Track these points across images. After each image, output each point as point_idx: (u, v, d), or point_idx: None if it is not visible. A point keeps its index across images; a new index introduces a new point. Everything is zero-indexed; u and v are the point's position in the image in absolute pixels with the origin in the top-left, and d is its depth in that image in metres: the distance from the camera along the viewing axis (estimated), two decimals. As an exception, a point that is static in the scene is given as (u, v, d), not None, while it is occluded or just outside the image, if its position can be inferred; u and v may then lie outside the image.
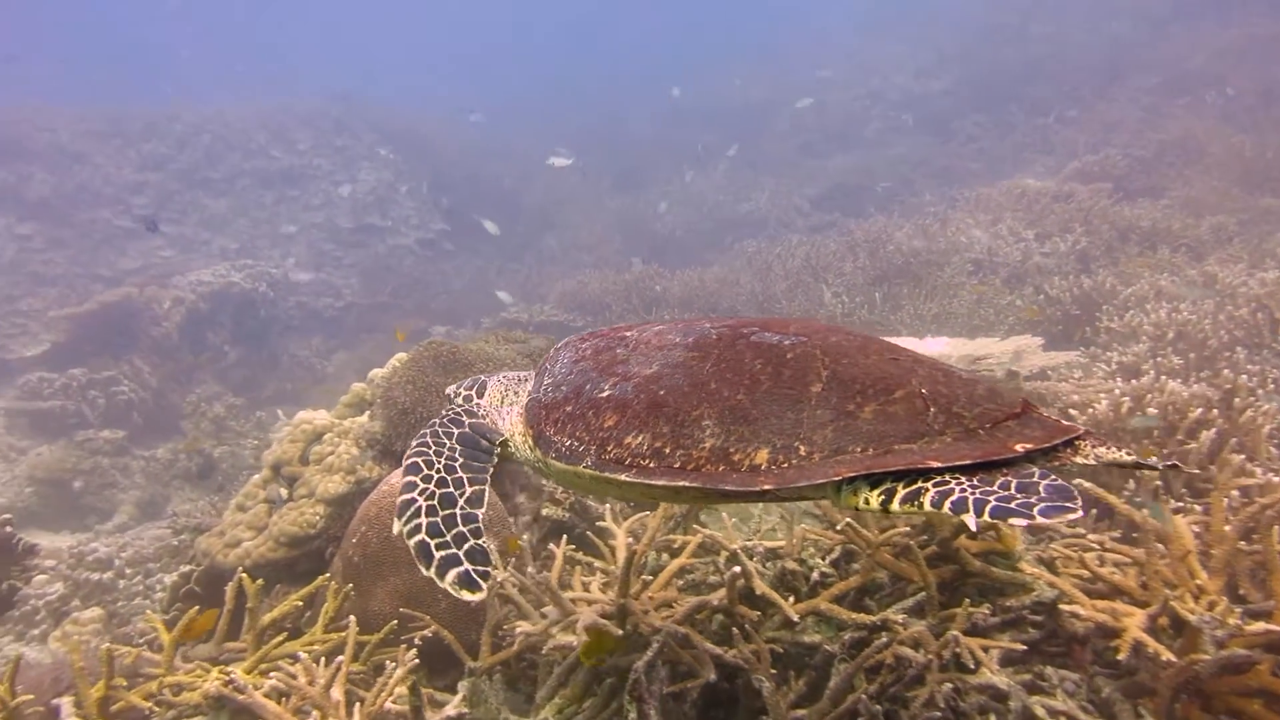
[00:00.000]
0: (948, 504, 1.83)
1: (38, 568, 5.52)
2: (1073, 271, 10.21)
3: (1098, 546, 3.39)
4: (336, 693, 3.10)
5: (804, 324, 2.49)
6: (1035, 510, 1.72)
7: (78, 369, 11.88)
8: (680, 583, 3.80)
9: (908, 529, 3.37)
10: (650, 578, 3.64)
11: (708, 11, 43.92)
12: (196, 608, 3.63)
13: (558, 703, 3.45)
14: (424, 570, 2.20)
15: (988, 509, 1.77)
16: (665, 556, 4.01)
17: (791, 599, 3.37)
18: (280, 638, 3.75)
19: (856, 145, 22.65)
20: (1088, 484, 3.52)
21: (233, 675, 3.30)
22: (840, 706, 2.88)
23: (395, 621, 3.91)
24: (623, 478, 2.25)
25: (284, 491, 4.67)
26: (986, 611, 3.04)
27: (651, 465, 2.23)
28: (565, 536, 4.03)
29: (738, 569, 3.27)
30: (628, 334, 2.66)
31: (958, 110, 21.75)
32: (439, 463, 2.46)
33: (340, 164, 22.02)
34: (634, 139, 28.13)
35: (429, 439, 2.53)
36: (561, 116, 30.87)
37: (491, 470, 2.54)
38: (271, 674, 3.25)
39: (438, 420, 2.65)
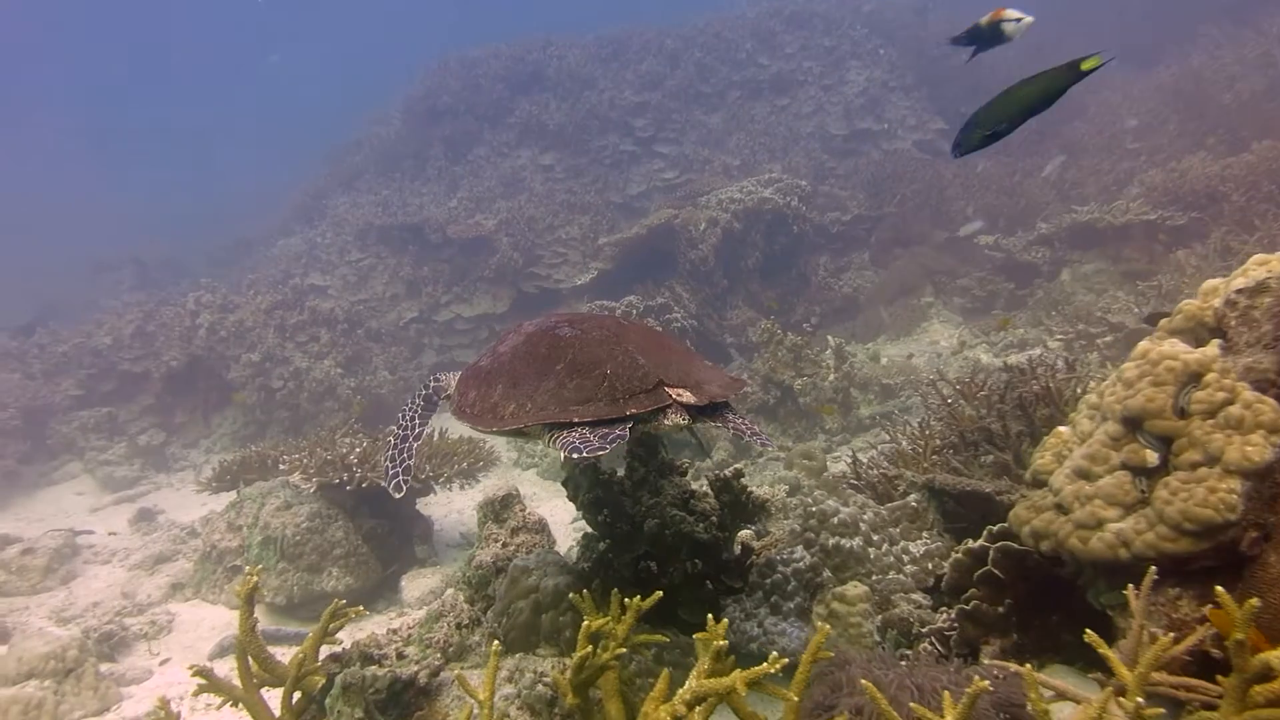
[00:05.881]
0: (560, 442, 3.02)
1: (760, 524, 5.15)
2: None
3: None
4: None
5: (597, 321, 3.66)
6: (584, 449, 2.91)
7: (633, 296, 12.28)
8: None
9: None
10: None
11: None
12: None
13: None
14: (384, 482, 4.11)
15: (569, 448, 2.95)
16: None
17: None
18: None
19: None
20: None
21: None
22: None
23: None
24: (455, 417, 3.64)
25: (1152, 456, 3.56)
26: None
27: (467, 412, 3.53)
28: None
29: None
30: (525, 323, 3.84)
31: None
32: (406, 418, 3.94)
33: (829, 65, 21.18)
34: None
35: (408, 402, 4.01)
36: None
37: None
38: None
39: (416, 389, 4.06)
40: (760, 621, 4.54)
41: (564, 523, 8.11)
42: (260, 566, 3.87)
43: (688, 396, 3.21)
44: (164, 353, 13.48)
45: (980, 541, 4.16)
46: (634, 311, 11.92)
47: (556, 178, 18.96)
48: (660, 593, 3.77)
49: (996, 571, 4.03)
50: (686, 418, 3.23)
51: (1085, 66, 3.88)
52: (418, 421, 3.92)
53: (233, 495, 7.72)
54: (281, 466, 7.28)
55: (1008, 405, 5.64)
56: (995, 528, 4.13)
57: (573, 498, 4.84)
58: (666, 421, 3.21)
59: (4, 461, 11.88)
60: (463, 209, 16.78)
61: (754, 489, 4.92)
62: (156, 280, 21.17)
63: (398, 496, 3.72)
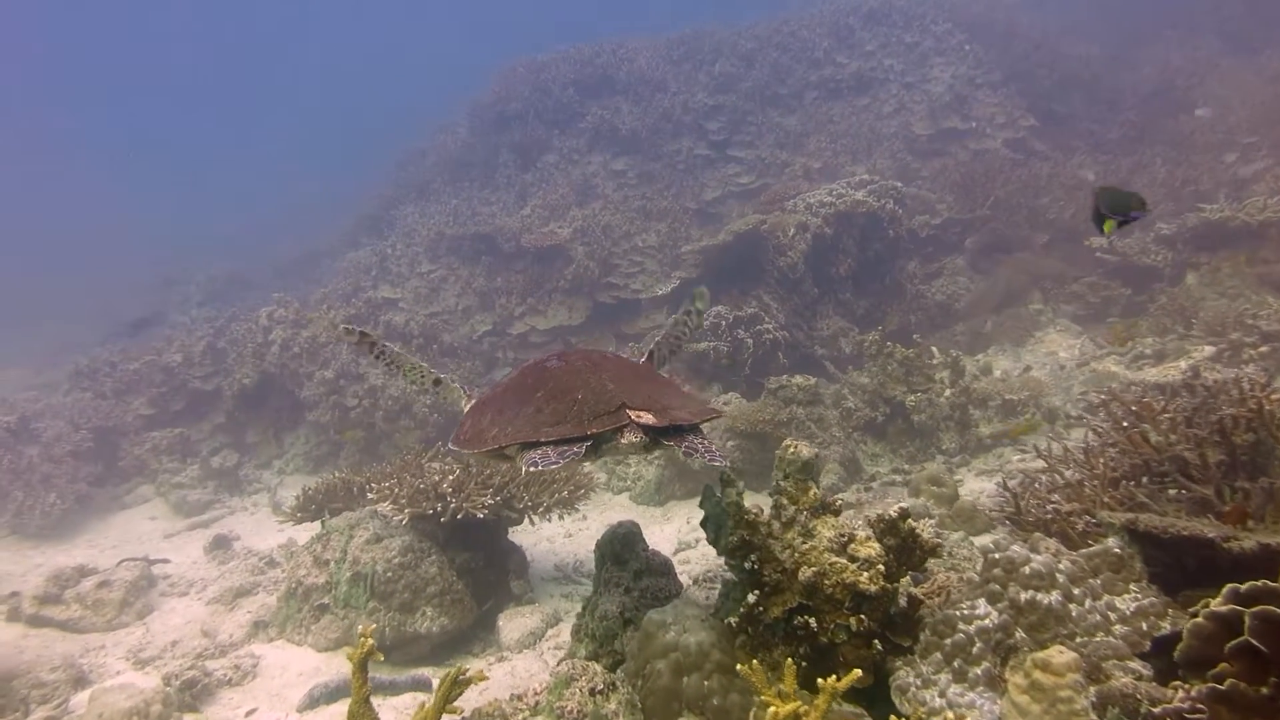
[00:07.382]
0: (525, 459, 3.34)
1: (939, 574, 4.52)
2: None
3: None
4: None
5: (583, 355, 4.03)
6: (542, 463, 3.25)
7: (720, 306, 11.70)
8: None
9: None
10: None
11: None
12: None
13: None
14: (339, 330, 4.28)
15: (529, 463, 3.28)
16: None
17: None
18: None
19: None
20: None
21: None
22: None
23: None
24: (451, 446, 3.94)
25: None
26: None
27: (461, 439, 3.84)
28: None
29: None
30: (527, 360, 4.41)
31: None
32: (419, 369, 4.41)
33: (911, 63, 20.42)
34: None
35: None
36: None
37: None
38: None
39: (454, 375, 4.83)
40: (942, 690, 3.90)
41: (665, 554, 7.53)
42: (373, 627, 3.35)
43: (648, 418, 3.48)
44: (235, 370, 13.25)
45: (1224, 603, 3.47)
46: (723, 323, 11.34)
47: (629, 184, 18.46)
48: (859, 671, 3.18)
49: (1255, 642, 3.34)
50: (641, 436, 3.47)
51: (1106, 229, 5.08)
52: (418, 379, 4.38)
53: (316, 526, 7.30)
54: (369, 494, 6.82)
55: (1203, 430, 4.94)
56: (1244, 587, 3.43)
57: (714, 541, 4.27)
58: (624, 440, 3.46)
59: (77, 485, 11.69)
60: (536, 217, 16.33)
61: (922, 531, 4.30)
62: (223, 294, 21.16)
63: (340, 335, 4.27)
